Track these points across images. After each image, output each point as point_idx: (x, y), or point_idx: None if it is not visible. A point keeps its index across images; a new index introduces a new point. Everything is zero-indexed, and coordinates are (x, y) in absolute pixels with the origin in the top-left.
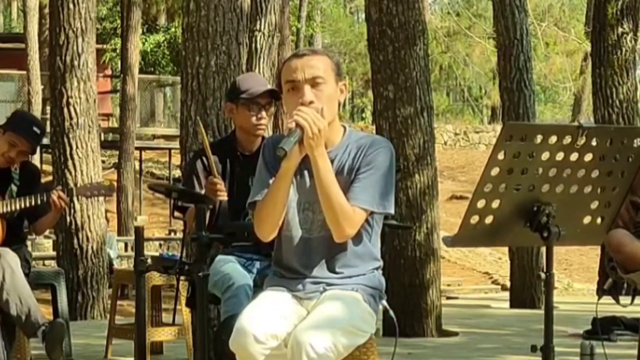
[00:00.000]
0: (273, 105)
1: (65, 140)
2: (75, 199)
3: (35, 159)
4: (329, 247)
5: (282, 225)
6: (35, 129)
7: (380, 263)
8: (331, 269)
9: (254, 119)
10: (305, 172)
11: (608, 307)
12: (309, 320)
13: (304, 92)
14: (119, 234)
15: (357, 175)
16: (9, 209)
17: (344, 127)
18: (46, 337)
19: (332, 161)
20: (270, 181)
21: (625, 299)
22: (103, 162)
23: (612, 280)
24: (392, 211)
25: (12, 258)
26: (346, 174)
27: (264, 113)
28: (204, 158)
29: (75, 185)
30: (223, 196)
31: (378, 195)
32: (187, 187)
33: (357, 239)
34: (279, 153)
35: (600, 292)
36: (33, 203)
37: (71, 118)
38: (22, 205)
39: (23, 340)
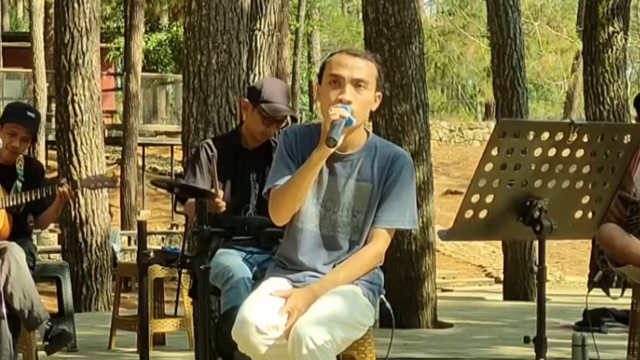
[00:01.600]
0: (285, 122)
1: (70, 136)
2: (80, 191)
3: (41, 155)
4: (336, 245)
5: (295, 216)
6: (29, 113)
7: (381, 262)
8: (334, 265)
9: (264, 129)
10: (325, 170)
11: (599, 299)
12: (310, 314)
13: (345, 90)
14: (123, 228)
15: (386, 192)
16: (15, 202)
17: (367, 132)
18: (52, 340)
19: (355, 162)
20: (293, 168)
21: (615, 291)
22: (107, 157)
23: (602, 273)
24: (416, 226)
25: (17, 252)
26: (369, 182)
27: (275, 127)
28: (207, 152)
29: (80, 177)
30: (222, 208)
31: (409, 213)
32: (189, 178)
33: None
34: (330, 144)
35: (591, 284)
36: (38, 196)
37: (76, 115)
38: (28, 199)
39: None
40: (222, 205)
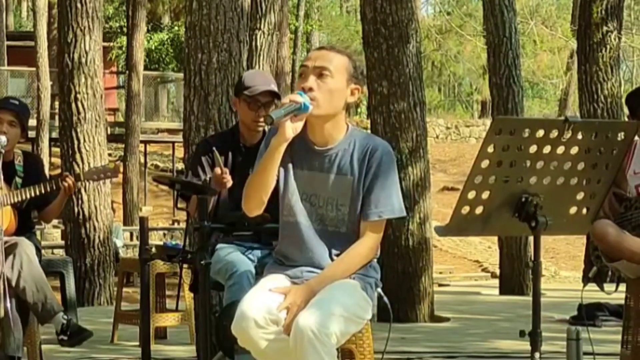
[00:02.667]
0: (273, 104)
1: (73, 134)
2: (83, 183)
3: (44, 152)
4: (328, 238)
5: (284, 211)
6: (12, 100)
7: (377, 254)
8: (330, 258)
9: (253, 115)
10: (306, 166)
11: (593, 293)
12: (310, 309)
13: (307, 79)
14: (125, 224)
15: (370, 184)
16: (19, 198)
17: (347, 126)
18: (71, 336)
19: (334, 157)
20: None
21: (609, 286)
22: (109, 155)
23: (596, 268)
24: (405, 213)
25: (28, 247)
26: (350, 175)
27: (263, 111)
28: (208, 146)
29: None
30: (229, 182)
31: (396, 201)
32: (192, 172)
33: (358, 233)
34: (267, 121)
35: (585, 280)
36: (42, 191)
37: (79, 113)
38: (31, 194)
39: (33, 326)
40: (228, 179)
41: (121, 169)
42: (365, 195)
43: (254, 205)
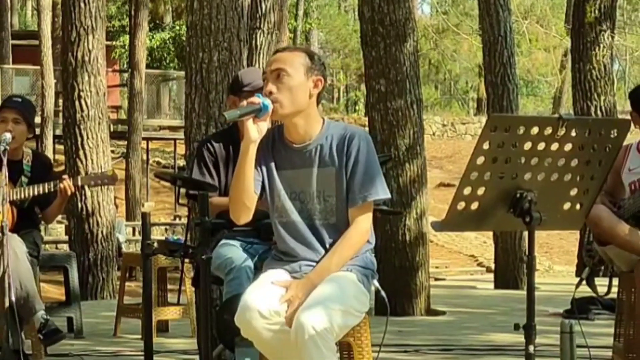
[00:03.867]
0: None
1: (77, 131)
2: (79, 188)
3: (49, 149)
4: (321, 231)
5: (275, 213)
6: (14, 99)
7: (372, 244)
8: (326, 251)
9: None
10: (289, 165)
11: (586, 287)
12: (310, 303)
13: (267, 84)
14: (127, 219)
15: (352, 171)
16: (19, 196)
17: (323, 120)
18: (45, 335)
19: (313, 151)
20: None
21: (602, 281)
22: (112, 151)
23: (589, 269)
24: (389, 195)
25: (17, 244)
26: (331, 166)
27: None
28: (209, 146)
29: (86, 173)
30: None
31: (379, 183)
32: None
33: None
34: (220, 120)
35: (579, 281)
36: (42, 191)
37: (82, 110)
38: (32, 193)
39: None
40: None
41: (123, 165)
42: (348, 182)
43: (240, 213)
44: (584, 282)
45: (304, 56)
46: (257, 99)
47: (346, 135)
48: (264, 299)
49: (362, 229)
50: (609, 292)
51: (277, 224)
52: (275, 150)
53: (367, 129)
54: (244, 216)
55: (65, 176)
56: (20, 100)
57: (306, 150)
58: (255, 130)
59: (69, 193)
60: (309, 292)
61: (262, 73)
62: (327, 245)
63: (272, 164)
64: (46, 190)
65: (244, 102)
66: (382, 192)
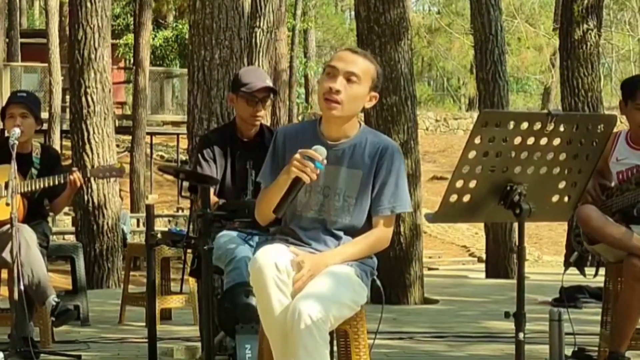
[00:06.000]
0: (270, 99)
1: (83, 126)
2: (92, 180)
3: (56, 144)
4: (331, 228)
5: (293, 204)
6: (20, 94)
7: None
8: (334, 246)
9: (251, 111)
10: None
11: (574, 277)
12: (309, 291)
13: (336, 80)
14: (132, 211)
15: (383, 180)
16: (29, 188)
17: (360, 123)
18: (58, 316)
19: (346, 151)
20: (276, 171)
21: (589, 270)
22: (117, 146)
23: (577, 253)
24: (411, 209)
25: (27, 233)
26: (360, 169)
27: (260, 106)
28: (209, 141)
29: (93, 167)
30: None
31: (406, 197)
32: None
33: (362, 226)
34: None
35: (567, 264)
36: (52, 183)
37: (88, 106)
38: (42, 185)
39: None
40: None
41: (128, 159)
42: (379, 190)
43: (265, 217)
44: (573, 269)
45: (375, 70)
46: (312, 169)
47: (380, 144)
48: (280, 255)
49: (385, 236)
50: (596, 274)
51: (290, 215)
52: (308, 144)
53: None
54: (269, 220)
55: (75, 169)
56: (25, 94)
57: (338, 148)
58: (301, 177)
59: (79, 185)
60: (319, 268)
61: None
62: (335, 243)
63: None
64: (56, 183)
65: (297, 165)
66: (407, 205)
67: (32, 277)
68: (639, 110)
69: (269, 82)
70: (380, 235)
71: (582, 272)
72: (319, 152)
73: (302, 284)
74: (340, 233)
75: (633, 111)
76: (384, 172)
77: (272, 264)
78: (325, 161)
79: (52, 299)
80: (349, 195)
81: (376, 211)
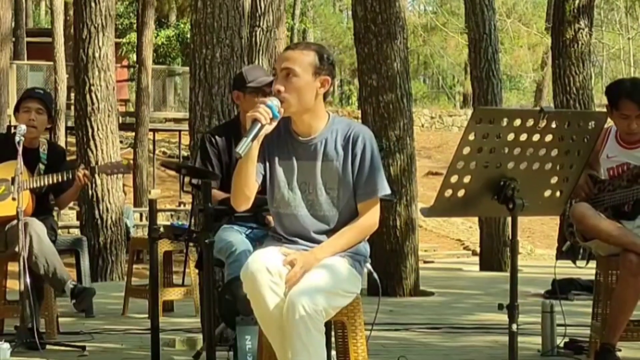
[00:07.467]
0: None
1: (88, 123)
2: (97, 175)
3: (61, 140)
4: (318, 222)
5: (274, 203)
6: (37, 90)
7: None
8: (322, 239)
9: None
10: (293, 156)
11: (566, 269)
12: (302, 284)
13: (276, 82)
14: (135, 205)
15: (360, 167)
16: (38, 184)
17: (328, 115)
18: (78, 295)
19: (319, 145)
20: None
21: (580, 262)
22: (121, 142)
23: (570, 243)
24: (389, 190)
25: (37, 226)
26: (335, 160)
27: None
28: (212, 138)
29: (97, 163)
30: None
31: (382, 180)
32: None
33: (352, 215)
34: (237, 156)
35: (559, 254)
36: (59, 179)
37: (93, 103)
38: (49, 181)
39: (50, 299)
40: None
41: (131, 155)
42: (356, 178)
43: (241, 201)
44: (563, 259)
45: (313, 55)
46: (265, 113)
47: (351, 132)
48: (270, 258)
49: (371, 221)
50: (588, 261)
51: (275, 214)
52: (281, 141)
53: (360, 121)
54: (244, 204)
55: (83, 166)
56: (42, 91)
57: (311, 143)
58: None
59: (86, 182)
60: (311, 264)
61: (272, 69)
62: (326, 236)
63: (275, 155)
64: (64, 179)
65: (249, 113)
66: (386, 188)
67: (47, 266)
68: (624, 119)
69: (272, 79)
70: (366, 221)
71: (574, 261)
72: (274, 103)
73: (296, 281)
74: (331, 226)
75: (618, 119)
76: (358, 159)
77: (264, 269)
78: (282, 110)
79: (70, 283)
80: (330, 188)
81: (358, 198)
